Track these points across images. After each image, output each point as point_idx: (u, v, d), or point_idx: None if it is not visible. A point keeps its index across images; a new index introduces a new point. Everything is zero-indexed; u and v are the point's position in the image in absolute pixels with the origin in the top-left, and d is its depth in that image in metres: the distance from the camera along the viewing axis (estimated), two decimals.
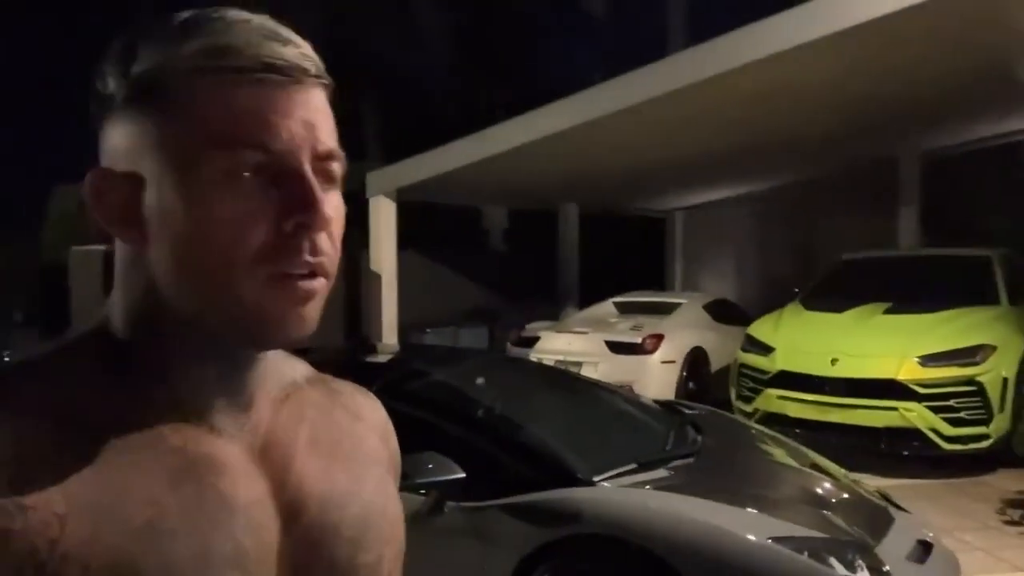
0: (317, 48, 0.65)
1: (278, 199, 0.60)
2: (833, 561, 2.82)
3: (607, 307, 9.44)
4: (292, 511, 0.66)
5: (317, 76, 0.63)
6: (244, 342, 0.64)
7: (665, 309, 8.80)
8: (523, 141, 7.78)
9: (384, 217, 8.56)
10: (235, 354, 0.65)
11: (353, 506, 0.69)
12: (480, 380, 4.18)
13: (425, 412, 3.46)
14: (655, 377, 7.68)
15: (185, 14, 0.63)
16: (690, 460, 3.58)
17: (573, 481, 3.11)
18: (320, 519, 0.67)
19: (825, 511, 3.31)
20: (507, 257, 11.86)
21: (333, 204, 0.64)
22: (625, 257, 12.18)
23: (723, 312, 9.01)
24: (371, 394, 0.83)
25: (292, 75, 0.61)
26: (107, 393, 0.62)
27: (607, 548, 2.91)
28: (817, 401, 6.25)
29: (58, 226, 12.65)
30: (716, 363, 8.22)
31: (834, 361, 6.21)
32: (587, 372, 7.76)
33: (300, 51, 0.63)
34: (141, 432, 0.61)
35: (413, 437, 3.25)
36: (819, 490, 3.56)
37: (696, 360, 8.05)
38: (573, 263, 11.31)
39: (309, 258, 0.61)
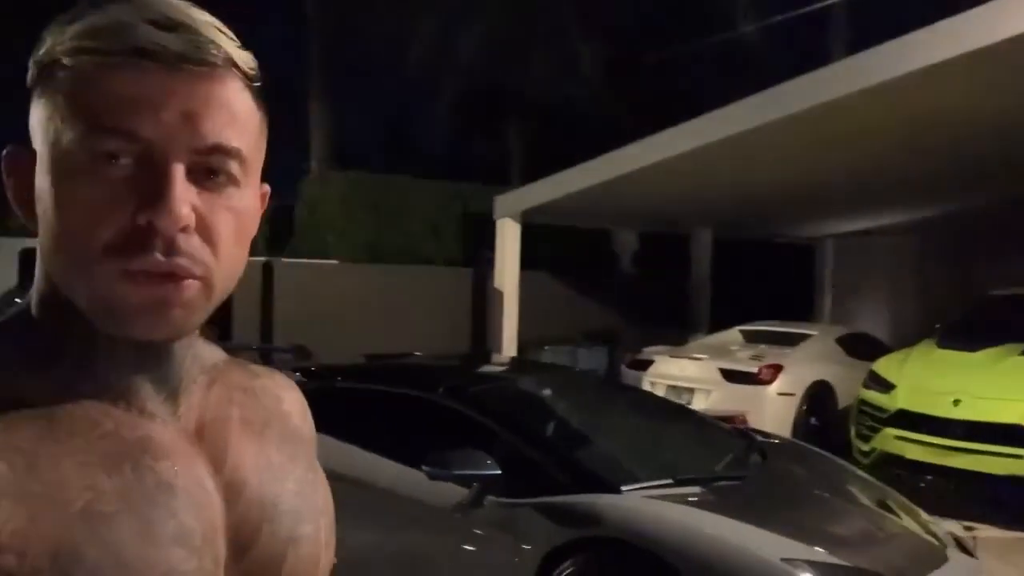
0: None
1: (137, 191, 0.58)
2: None
3: (732, 335, 9.22)
4: (232, 489, 0.67)
5: (211, 64, 0.60)
6: (109, 334, 0.62)
7: (794, 340, 8.47)
8: (648, 162, 7.72)
9: (509, 238, 8.90)
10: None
11: (288, 481, 0.71)
12: (547, 391, 4.37)
13: (479, 414, 3.70)
14: (770, 409, 7.42)
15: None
16: (736, 483, 3.58)
17: (602, 488, 3.25)
18: (259, 495, 0.68)
19: (866, 545, 3.21)
20: (637, 281, 11.84)
21: (221, 204, 0.61)
22: (767, 285, 11.78)
23: (859, 346, 8.52)
24: (286, 376, 0.84)
25: (167, 61, 0.58)
26: (32, 381, 0.61)
27: (624, 552, 3.03)
28: (936, 444, 5.84)
29: None
30: (844, 400, 7.80)
31: (956, 402, 5.79)
32: (699, 400, 7.67)
33: (190, 37, 0.60)
34: (71, 419, 0.60)
35: (466, 435, 3.54)
36: (870, 525, 3.44)
37: (819, 395, 7.69)
38: (704, 289, 11.11)
39: (160, 257, 0.58)
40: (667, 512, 3.13)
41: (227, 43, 0.62)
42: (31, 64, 0.62)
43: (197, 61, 0.59)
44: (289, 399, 0.80)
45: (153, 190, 0.58)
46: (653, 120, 7.80)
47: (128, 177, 0.58)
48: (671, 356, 8.20)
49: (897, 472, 6.14)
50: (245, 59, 0.63)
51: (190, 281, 0.60)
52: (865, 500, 3.79)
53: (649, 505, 3.17)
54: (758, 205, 10.03)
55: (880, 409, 6.35)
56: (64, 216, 0.59)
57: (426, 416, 3.82)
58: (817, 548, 2.98)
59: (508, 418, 3.68)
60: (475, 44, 14.48)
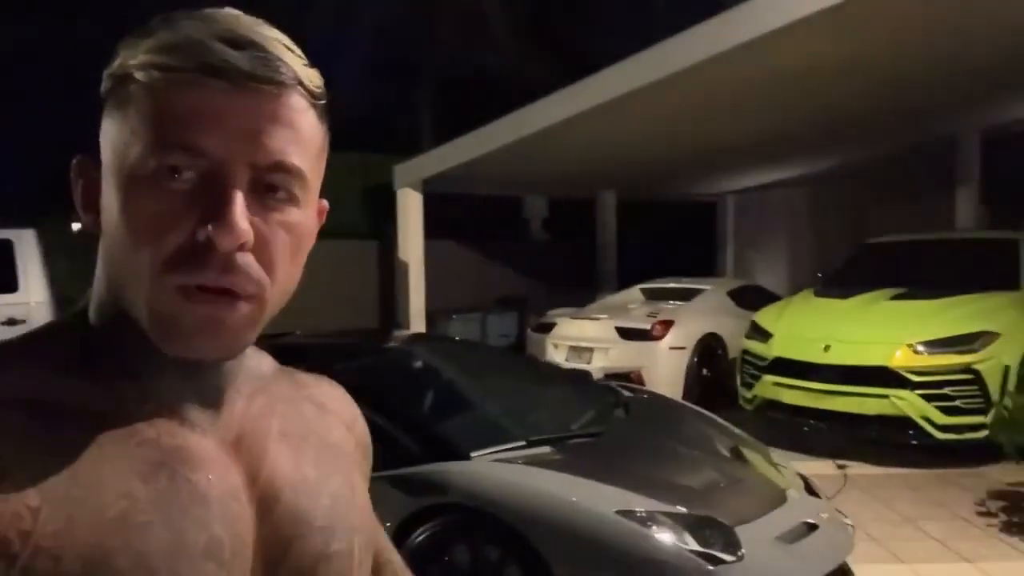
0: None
1: (199, 206, 0.59)
2: (687, 536, 2.93)
3: (633, 293, 9.47)
4: (265, 503, 0.66)
5: (279, 83, 0.61)
6: (159, 350, 0.61)
7: (689, 295, 8.76)
8: (540, 126, 7.71)
9: (411, 209, 8.91)
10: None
11: (323, 496, 0.70)
12: (417, 364, 4.46)
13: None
14: (664, 364, 7.69)
15: (169, 14, 0.62)
16: (591, 440, 3.73)
17: (452, 456, 3.35)
18: (293, 510, 0.67)
19: (708, 493, 3.39)
20: (544, 246, 11.99)
21: (279, 220, 0.62)
22: (672, 244, 12.09)
23: (751, 299, 8.83)
24: (337, 385, 0.84)
25: (235, 79, 0.59)
26: (79, 384, 0.62)
27: (470, 517, 3.13)
28: (810, 388, 6.16)
29: None
30: (734, 351, 8.10)
31: (827, 348, 6.10)
32: (597, 359, 7.88)
33: (258, 55, 0.60)
34: (114, 425, 0.60)
35: None
36: (716, 473, 3.63)
37: (710, 347, 7.99)
38: (610, 250, 11.33)
39: (217, 274, 0.59)
40: (507, 474, 3.21)
41: (294, 60, 0.62)
42: (105, 76, 0.63)
43: (264, 79, 0.60)
44: (336, 409, 0.80)
45: (214, 206, 0.58)
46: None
47: (190, 192, 0.59)
48: (572, 318, 8.39)
49: (776, 416, 6.48)
50: (311, 77, 0.63)
51: (243, 302, 0.60)
52: (719, 448, 4.00)
53: (492, 469, 3.27)
54: (657, 165, 10.24)
55: (759, 358, 6.65)
56: (127, 227, 0.60)
57: None
58: (654, 500, 3.11)
59: (366, 394, 3.74)
60: (386, 11, 14.24)
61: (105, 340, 0.64)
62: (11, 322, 6.85)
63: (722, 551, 2.91)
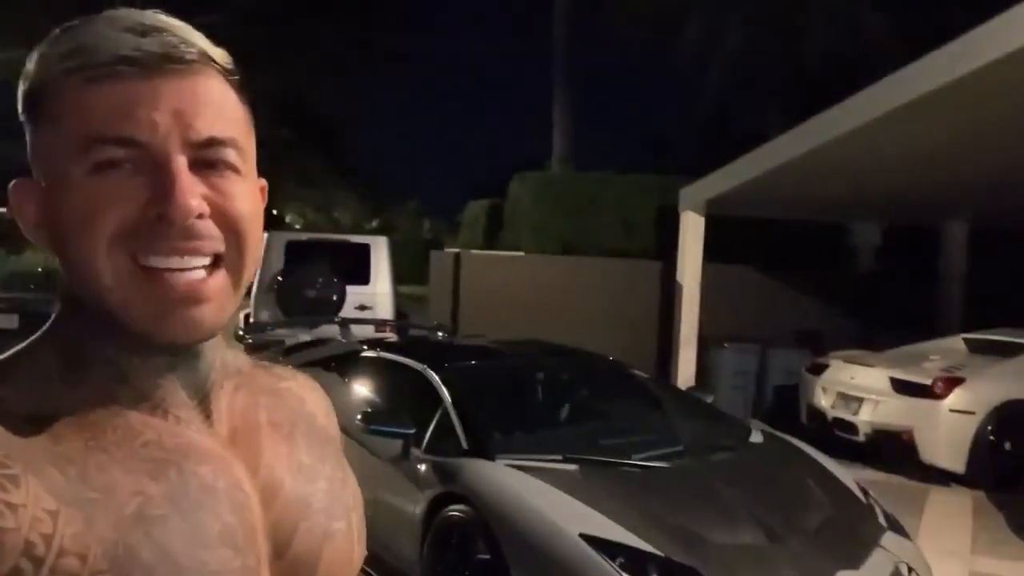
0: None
1: (147, 189, 0.60)
2: None
3: (954, 343, 7.93)
4: (268, 491, 0.69)
5: (191, 62, 0.62)
6: (134, 341, 0.63)
7: (1016, 351, 7.09)
8: (841, 132, 6.21)
9: (691, 230, 8.59)
10: (173, 346, 0.65)
11: (320, 480, 0.74)
12: (536, 373, 4.58)
13: (442, 384, 4.09)
14: (943, 428, 6.38)
15: (69, 23, 0.63)
16: (640, 471, 3.51)
17: (483, 454, 3.51)
18: (294, 495, 0.71)
19: (721, 548, 2.98)
20: (874, 278, 10.48)
21: (229, 190, 0.63)
22: None
23: None
24: (310, 377, 0.87)
25: (151, 64, 0.60)
26: (73, 393, 0.63)
27: (468, 508, 3.30)
28: None
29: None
30: None
31: None
32: (866, 411, 6.86)
33: (167, 39, 0.61)
34: (113, 428, 0.62)
35: (428, 399, 4.03)
36: (749, 536, 3.13)
37: (1015, 417, 6.39)
38: (955, 287, 9.57)
39: (179, 243, 0.60)
40: (506, 478, 3.27)
41: (201, 40, 0.64)
42: (22, 95, 0.64)
43: (179, 59, 0.61)
44: (313, 400, 0.83)
45: (161, 188, 0.60)
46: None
47: (133, 179, 0.60)
48: (845, 361, 7.40)
49: None
50: (220, 55, 0.65)
51: (214, 274, 0.63)
52: (802, 515, 3.39)
53: (498, 471, 3.34)
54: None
55: None
56: (75, 224, 0.60)
57: (411, 383, 4.29)
58: (634, 536, 2.90)
59: (457, 390, 4.00)
60: (732, 38, 14.03)
61: (87, 346, 0.65)
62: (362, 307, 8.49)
63: None
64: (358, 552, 0.77)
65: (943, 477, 6.50)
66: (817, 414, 7.43)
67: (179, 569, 0.59)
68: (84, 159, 0.60)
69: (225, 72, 0.65)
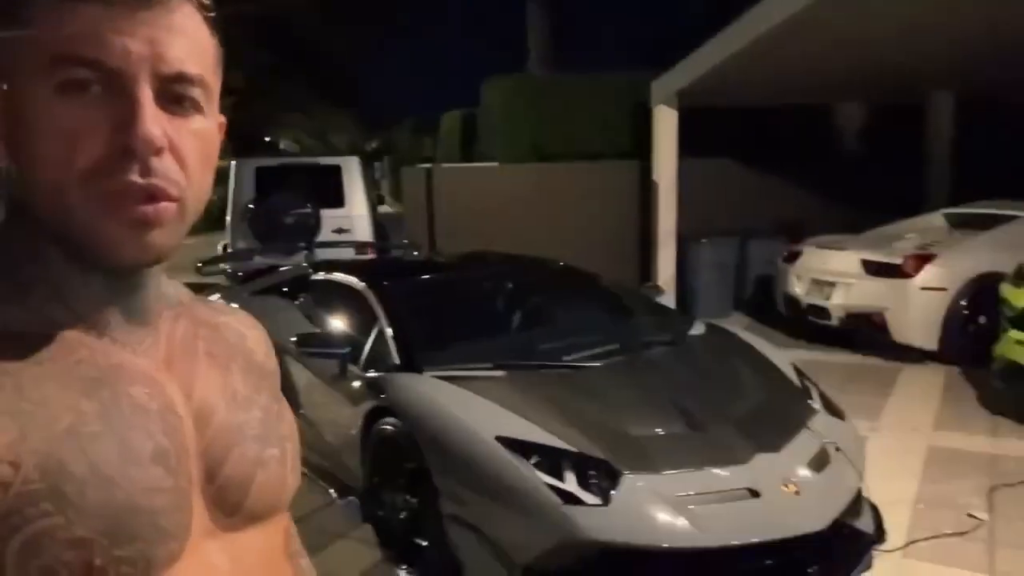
0: None
1: (110, 117, 0.60)
2: (568, 474, 2.83)
3: (932, 220, 7.82)
4: (202, 416, 0.70)
5: None
6: (86, 261, 0.64)
7: (993, 223, 6.95)
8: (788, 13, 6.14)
9: (664, 125, 8.36)
10: (117, 269, 0.66)
11: (254, 410, 0.76)
12: (481, 284, 4.56)
13: (378, 302, 4.10)
14: (914, 307, 6.33)
15: None
16: (572, 372, 3.53)
17: (413, 368, 3.54)
18: (228, 421, 0.72)
19: (639, 439, 3.02)
20: (854, 162, 10.20)
21: (188, 128, 0.64)
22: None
23: None
24: (248, 314, 0.88)
25: None
26: (10, 309, 0.64)
27: (396, 421, 3.36)
28: None
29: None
30: None
31: None
32: (838, 295, 6.83)
33: None
34: (48, 346, 0.63)
35: (367, 319, 4.04)
36: (674, 426, 3.15)
37: (989, 291, 6.31)
38: (942, 165, 9.33)
39: (138, 179, 0.61)
40: (430, 390, 3.32)
41: None
42: None
43: None
44: (253, 337, 0.84)
45: (125, 115, 0.60)
46: None
47: (100, 105, 0.60)
48: (818, 247, 7.32)
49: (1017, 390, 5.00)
50: None
51: (167, 204, 0.63)
52: (731, 404, 3.40)
53: (422, 383, 3.39)
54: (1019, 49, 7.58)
55: (1010, 306, 5.15)
56: (41, 144, 0.61)
57: (353, 302, 4.29)
58: (550, 434, 2.94)
59: (392, 306, 4.01)
60: None
61: (26, 263, 0.65)
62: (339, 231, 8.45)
63: (593, 494, 2.72)
64: (292, 479, 0.78)
65: (920, 356, 6.50)
66: (792, 302, 7.42)
67: (111, 485, 0.60)
68: (49, 76, 0.60)
69: (202, 7, 0.65)
